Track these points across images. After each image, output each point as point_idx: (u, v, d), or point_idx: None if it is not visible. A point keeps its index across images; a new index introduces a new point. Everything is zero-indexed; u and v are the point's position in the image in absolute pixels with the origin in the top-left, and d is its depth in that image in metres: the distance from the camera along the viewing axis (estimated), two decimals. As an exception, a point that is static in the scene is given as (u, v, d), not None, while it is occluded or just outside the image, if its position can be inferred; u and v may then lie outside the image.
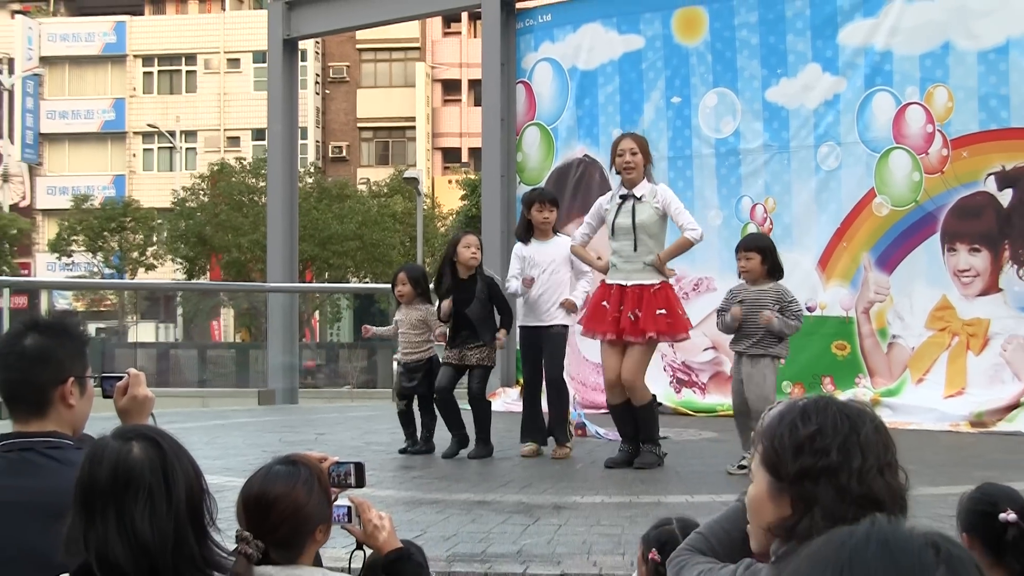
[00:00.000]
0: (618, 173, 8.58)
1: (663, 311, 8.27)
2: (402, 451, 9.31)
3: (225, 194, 43.96)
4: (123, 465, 2.62)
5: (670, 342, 8.93)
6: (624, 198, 8.45)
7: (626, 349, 8.39)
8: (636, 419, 8.53)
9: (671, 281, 8.58)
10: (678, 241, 8.44)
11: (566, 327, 9.10)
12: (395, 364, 9.61)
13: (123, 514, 2.59)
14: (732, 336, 8.33)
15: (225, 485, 6.82)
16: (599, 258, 8.80)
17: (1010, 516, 3.52)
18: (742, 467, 7.47)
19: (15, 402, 3.36)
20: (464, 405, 9.25)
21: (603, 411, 12.03)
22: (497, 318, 9.15)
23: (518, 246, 9.29)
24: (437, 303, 9.31)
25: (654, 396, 8.89)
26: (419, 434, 9.40)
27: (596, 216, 8.71)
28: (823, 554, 1.14)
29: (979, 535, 3.65)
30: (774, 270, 8.25)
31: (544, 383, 9.13)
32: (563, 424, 9.12)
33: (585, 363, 12.85)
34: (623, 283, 8.37)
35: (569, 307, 8.91)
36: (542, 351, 9.03)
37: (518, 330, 9.35)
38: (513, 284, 9.08)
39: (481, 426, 9.14)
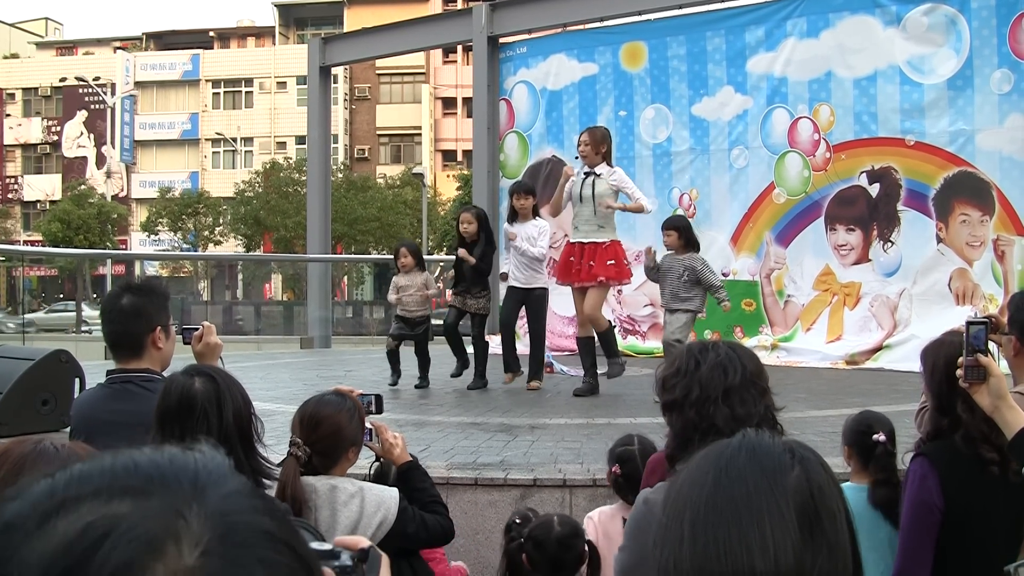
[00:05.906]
0: (576, 157, 8.77)
1: (612, 262, 8.40)
2: (391, 385, 8.99)
3: (275, 186, 44.02)
4: (186, 395, 2.71)
5: (617, 285, 9.00)
6: (587, 174, 8.52)
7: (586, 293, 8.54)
8: (594, 352, 8.63)
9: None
10: (637, 204, 8.45)
11: (546, 289, 9.08)
12: (395, 318, 9.38)
13: (185, 431, 2.65)
14: (662, 296, 8.45)
15: (275, 410, 6.82)
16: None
17: (880, 437, 3.62)
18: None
19: (117, 347, 3.41)
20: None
21: (567, 352, 12.10)
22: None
23: (506, 224, 9.28)
24: (436, 271, 9.26)
25: (611, 323, 9.06)
26: (419, 373, 9.21)
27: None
28: (704, 461, 1.13)
29: (856, 449, 3.72)
30: (689, 243, 8.33)
31: (528, 332, 9.14)
32: (539, 365, 9.13)
33: (554, 315, 12.84)
34: (582, 240, 8.48)
35: (511, 236, 8.80)
36: (521, 305, 8.98)
37: (506, 287, 9.30)
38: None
39: (479, 364, 9.12)
